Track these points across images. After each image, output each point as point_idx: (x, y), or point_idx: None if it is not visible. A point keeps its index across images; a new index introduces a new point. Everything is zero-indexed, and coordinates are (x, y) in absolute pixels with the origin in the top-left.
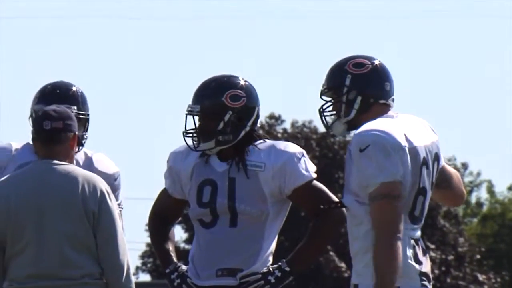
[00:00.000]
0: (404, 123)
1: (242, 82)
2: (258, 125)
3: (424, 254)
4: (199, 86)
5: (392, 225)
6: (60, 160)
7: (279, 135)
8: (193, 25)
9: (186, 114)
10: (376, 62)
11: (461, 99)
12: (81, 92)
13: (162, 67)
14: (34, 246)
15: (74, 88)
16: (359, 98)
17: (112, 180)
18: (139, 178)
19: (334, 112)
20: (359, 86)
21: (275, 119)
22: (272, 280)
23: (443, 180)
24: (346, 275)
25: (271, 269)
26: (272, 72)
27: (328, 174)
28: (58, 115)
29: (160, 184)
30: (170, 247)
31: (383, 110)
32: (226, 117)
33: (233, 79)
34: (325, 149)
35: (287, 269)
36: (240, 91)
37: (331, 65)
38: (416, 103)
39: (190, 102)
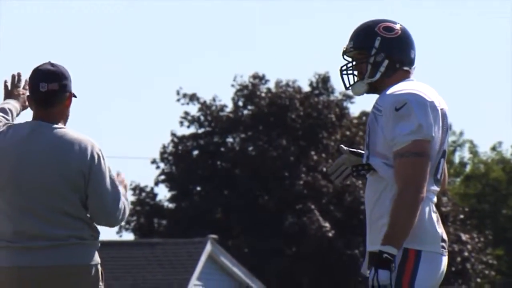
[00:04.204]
0: (428, 87)
1: None
2: (241, 85)
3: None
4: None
5: (419, 183)
6: (55, 122)
7: (263, 94)
8: None
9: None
10: (401, 27)
11: (444, 57)
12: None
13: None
14: (18, 208)
15: None
16: (386, 62)
17: None
18: (126, 138)
19: (355, 72)
20: (387, 50)
21: (259, 78)
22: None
23: None
24: (330, 234)
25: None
26: (256, 32)
27: (312, 133)
28: (54, 75)
29: (152, 141)
30: None
31: (404, 77)
32: None
33: None
34: (309, 108)
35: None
36: None
37: (358, 25)
38: None
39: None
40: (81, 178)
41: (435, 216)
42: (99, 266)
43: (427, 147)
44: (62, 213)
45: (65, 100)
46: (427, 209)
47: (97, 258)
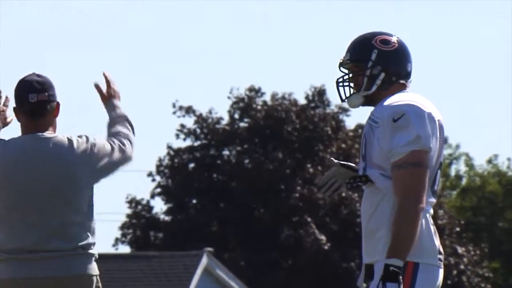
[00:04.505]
0: (424, 98)
1: None
2: (237, 97)
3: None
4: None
5: (419, 193)
6: (46, 131)
7: (259, 107)
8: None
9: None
10: (398, 40)
11: (440, 70)
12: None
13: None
14: (23, 221)
15: None
16: (382, 75)
17: None
18: None
19: (351, 84)
20: (384, 63)
21: (255, 91)
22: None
23: None
24: (326, 247)
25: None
26: (251, 44)
27: (308, 146)
28: (43, 86)
29: (148, 154)
30: None
31: (401, 90)
32: None
33: None
34: (305, 121)
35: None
36: None
37: (355, 37)
38: None
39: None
40: (89, 179)
41: (432, 229)
42: (99, 277)
43: (425, 157)
44: (69, 223)
45: (54, 110)
46: (424, 221)
47: (97, 268)
